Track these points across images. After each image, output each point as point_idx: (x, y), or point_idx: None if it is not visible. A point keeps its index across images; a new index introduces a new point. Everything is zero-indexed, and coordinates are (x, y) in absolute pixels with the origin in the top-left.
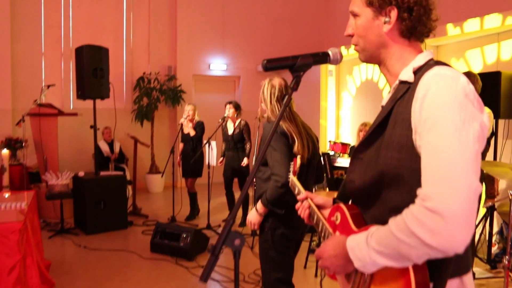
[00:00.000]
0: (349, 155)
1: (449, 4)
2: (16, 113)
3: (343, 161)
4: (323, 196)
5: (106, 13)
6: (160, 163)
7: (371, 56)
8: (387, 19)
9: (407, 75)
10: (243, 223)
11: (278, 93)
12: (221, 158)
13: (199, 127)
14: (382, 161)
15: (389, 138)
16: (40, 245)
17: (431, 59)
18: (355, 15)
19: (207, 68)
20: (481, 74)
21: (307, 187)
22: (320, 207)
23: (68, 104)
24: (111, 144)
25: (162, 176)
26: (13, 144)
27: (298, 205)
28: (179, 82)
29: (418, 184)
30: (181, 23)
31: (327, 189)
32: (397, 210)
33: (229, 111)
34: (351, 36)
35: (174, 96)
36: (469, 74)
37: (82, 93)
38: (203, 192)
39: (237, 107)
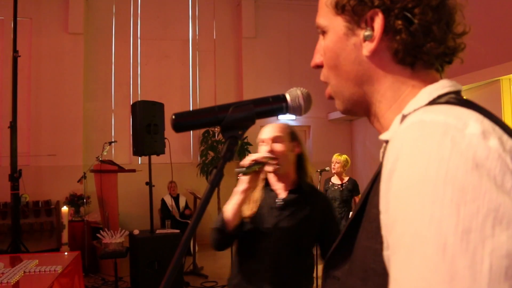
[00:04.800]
0: None
1: None
2: (87, 169)
3: None
4: None
5: (173, 69)
6: None
7: (352, 102)
8: (367, 33)
9: (392, 129)
10: None
11: None
12: None
13: None
14: None
15: (356, 251)
16: None
17: (447, 94)
18: (323, 32)
19: (275, 118)
20: None
21: None
22: None
23: (136, 160)
24: (176, 199)
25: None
26: (76, 201)
27: None
28: (246, 134)
29: None
30: (247, 74)
31: None
32: None
33: None
34: (320, 67)
35: (240, 149)
36: None
37: (137, 149)
38: None
39: None
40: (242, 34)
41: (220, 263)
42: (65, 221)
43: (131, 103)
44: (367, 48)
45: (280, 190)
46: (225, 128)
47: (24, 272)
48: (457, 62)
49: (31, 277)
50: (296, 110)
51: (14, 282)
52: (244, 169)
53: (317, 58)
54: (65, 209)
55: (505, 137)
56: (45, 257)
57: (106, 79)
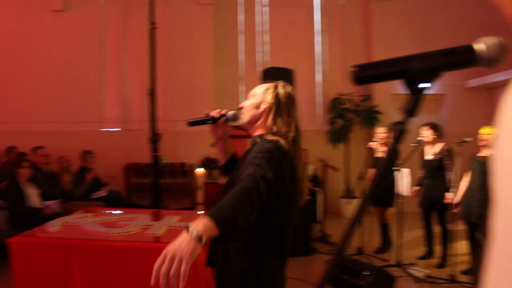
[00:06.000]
0: None
1: None
2: None
3: None
4: None
5: (300, 36)
6: (355, 187)
7: None
8: None
9: None
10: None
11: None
12: (416, 188)
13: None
14: None
15: None
16: None
17: None
18: None
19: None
20: None
21: None
22: None
23: None
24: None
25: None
26: (209, 164)
27: None
28: (375, 102)
29: None
30: (377, 40)
31: None
32: None
33: (425, 134)
34: None
35: (370, 117)
36: None
37: None
38: (397, 222)
39: (436, 129)
40: None
41: None
42: (200, 182)
43: (258, 70)
44: None
45: None
46: (409, 81)
47: (169, 226)
48: None
49: (175, 231)
50: (489, 62)
51: (160, 234)
52: (191, 120)
53: None
54: (201, 170)
55: None
56: (185, 214)
57: (234, 47)
